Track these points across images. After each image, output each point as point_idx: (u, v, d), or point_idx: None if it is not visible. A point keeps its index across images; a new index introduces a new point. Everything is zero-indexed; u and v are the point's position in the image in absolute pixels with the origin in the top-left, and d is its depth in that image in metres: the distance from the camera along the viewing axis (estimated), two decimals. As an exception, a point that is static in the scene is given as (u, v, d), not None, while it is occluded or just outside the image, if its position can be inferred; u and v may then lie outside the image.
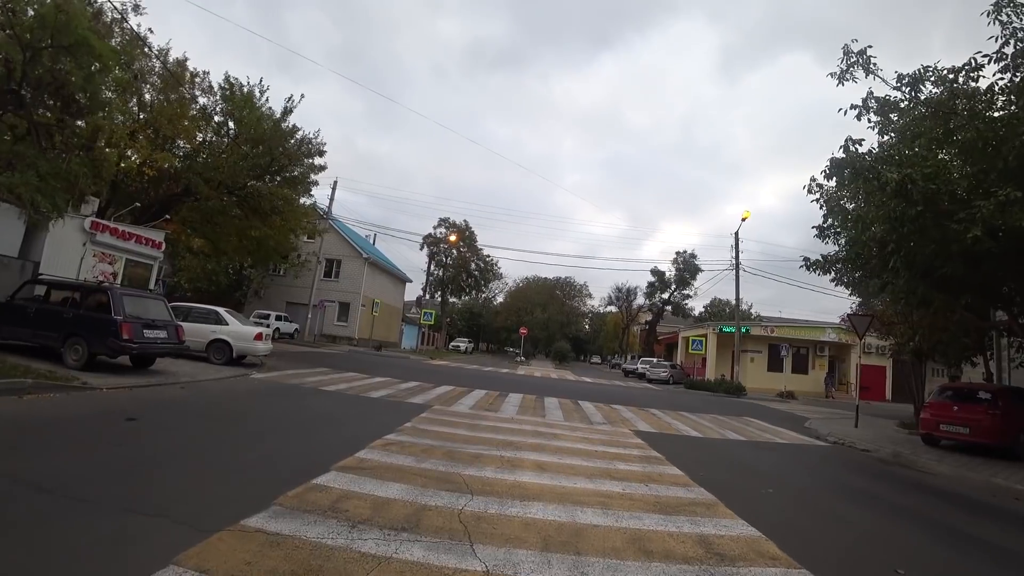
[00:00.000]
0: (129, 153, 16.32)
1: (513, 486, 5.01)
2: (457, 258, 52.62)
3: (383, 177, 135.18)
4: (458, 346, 55.68)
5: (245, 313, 32.15)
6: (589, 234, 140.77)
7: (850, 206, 11.12)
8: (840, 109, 9.73)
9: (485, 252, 54.38)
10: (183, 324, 12.86)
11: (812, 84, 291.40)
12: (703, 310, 78.88)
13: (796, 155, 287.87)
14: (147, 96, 17.68)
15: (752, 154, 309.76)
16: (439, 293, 52.30)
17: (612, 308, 66.72)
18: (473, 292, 59.60)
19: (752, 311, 66.59)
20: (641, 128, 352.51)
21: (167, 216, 19.78)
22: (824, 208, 11.21)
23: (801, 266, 12.13)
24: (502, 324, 65.64)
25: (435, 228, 51.33)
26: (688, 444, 9.26)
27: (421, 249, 48.91)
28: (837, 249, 11.93)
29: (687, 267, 46.51)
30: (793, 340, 33.62)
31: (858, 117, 9.74)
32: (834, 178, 10.12)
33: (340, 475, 4.70)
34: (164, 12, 49.33)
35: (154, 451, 5.01)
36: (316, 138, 20.66)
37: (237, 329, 13.16)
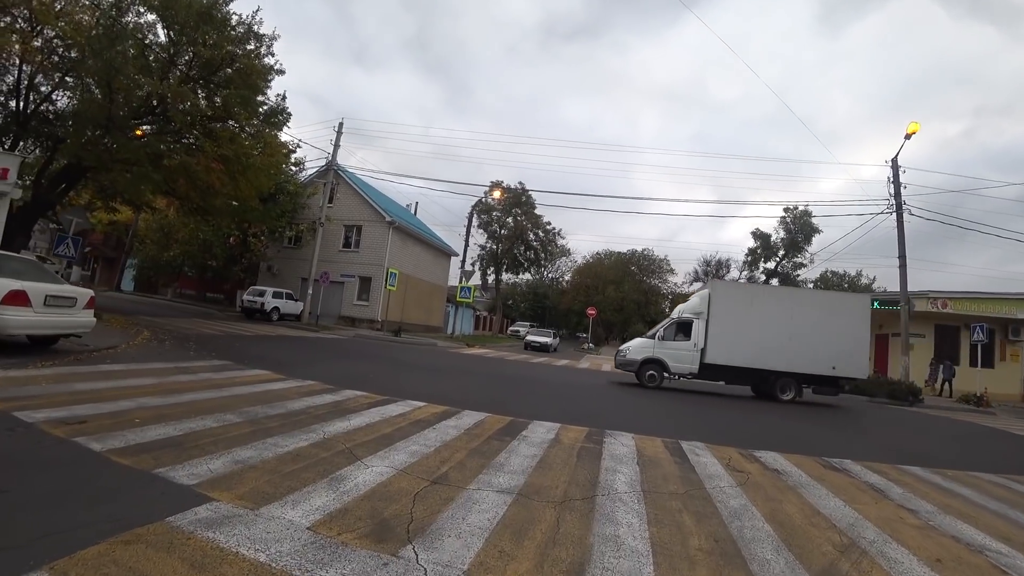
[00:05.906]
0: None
1: None
2: (513, 228, 45.28)
3: (460, 166, 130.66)
4: (517, 331, 48.09)
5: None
6: (672, 214, 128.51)
7: None
8: None
9: (546, 219, 46.68)
10: None
11: (932, 27, 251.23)
12: (812, 287, 66.68)
13: (911, 117, 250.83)
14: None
15: (854, 119, 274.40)
16: (491, 269, 45.39)
17: (698, 285, 56.63)
18: (533, 268, 51.94)
19: (875, 286, 53.89)
20: (729, 97, 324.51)
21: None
22: None
23: None
24: (569, 305, 57.64)
25: (486, 195, 43.95)
26: None
27: (470, 218, 41.92)
28: None
29: (800, 227, 36.36)
30: (974, 318, 23.39)
31: None
32: None
33: None
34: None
35: None
36: (255, 24, 14.02)
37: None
